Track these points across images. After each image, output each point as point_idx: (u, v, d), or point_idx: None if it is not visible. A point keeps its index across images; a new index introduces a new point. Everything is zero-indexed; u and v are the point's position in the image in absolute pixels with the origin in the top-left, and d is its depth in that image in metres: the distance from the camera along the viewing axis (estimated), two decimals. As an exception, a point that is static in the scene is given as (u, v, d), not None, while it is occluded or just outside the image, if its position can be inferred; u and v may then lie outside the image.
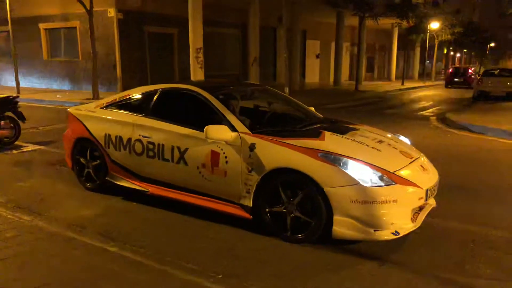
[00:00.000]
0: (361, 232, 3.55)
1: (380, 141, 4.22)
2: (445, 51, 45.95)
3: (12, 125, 7.79)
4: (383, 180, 3.61)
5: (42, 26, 18.95)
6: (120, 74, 16.86)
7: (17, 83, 16.65)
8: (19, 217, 4.36)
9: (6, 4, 15.94)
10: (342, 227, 3.59)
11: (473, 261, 3.54)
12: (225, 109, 4.29)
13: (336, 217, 3.59)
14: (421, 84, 31.17)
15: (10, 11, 16.10)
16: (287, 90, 15.40)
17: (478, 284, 3.19)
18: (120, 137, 4.83)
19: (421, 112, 14.44)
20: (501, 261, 3.56)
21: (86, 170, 5.28)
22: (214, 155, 4.15)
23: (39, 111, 13.02)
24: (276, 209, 3.89)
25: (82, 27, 17.27)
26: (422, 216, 3.88)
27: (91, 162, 5.21)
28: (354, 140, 4.10)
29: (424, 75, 37.19)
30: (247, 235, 4.00)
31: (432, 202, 4.19)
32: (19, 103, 7.94)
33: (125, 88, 16.83)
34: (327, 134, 4.16)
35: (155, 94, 4.86)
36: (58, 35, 18.88)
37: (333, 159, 3.66)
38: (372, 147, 4.01)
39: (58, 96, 16.12)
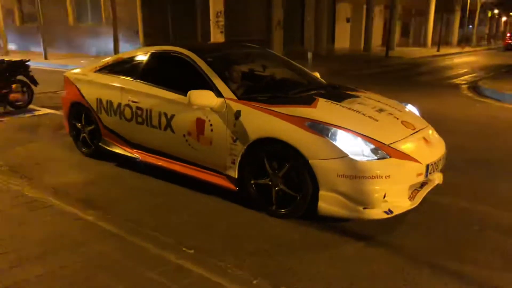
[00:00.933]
0: (348, 209, 3.26)
1: (381, 110, 3.85)
2: (490, 14, 43.20)
3: (24, 89, 7.78)
4: (376, 153, 3.28)
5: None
6: (143, 39, 16.70)
7: (44, 48, 16.80)
8: (8, 181, 4.30)
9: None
10: (328, 203, 3.30)
11: (474, 247, 3.18)
12: (212, 73, 4.00)
13: (322, 192, 3.31)
14: (459, 50, 29.56)
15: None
16: (310, 55, 14.82)
17: (475, 273, 2.85)
18: (111, 102, 4.65)
19: (454, 80, 13.60)
20: (506, 248, 3.19)
21: (82, 135, 5.17)
22: (200, 122, 3.91)
23: (61, 76, 13.07)
24: (262, 181, 3.63)
25: (105, -9, 17.09)
26: (422, 194, 3.54)
27: (86, 127, 5.09)
28: (350, 108, 3.74)
29: (463, 40, 35.20)
30: (232, 208, 3.78)
31: (437, 178, 3.82)
32: (30, 67, 7.90)
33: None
34: (321, 101, 3.82)
35: (146, 57, 4.62)
36: (83, 0, 18.80)
37: (320, 128, 3.34)
38: (369, 116, 3.65)
39: (82, 61, 16.16)
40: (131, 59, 4.81)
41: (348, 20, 28.40)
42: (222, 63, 4.36)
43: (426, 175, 3.46)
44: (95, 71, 5.04)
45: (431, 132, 3.90)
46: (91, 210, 3.65)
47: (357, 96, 4.13)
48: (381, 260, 2.99)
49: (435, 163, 3.54)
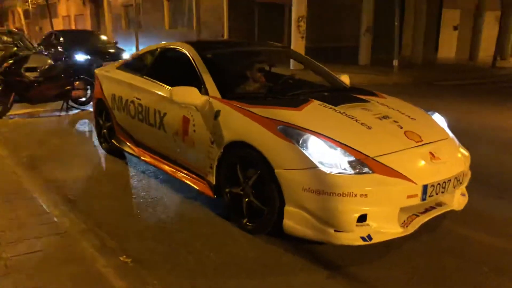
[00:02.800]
0: (316, 231, 2.72)
1: (384, 117, 3.21)
2: None
3: (87, 86, 8.24)
4: (355, 166, 2.70)
5: (167, -5, 20.05)
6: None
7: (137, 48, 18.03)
8: (14, 171, 4.42)
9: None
10: (294, 221, 2.80)
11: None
12: (204, 69, 3.70)
13: (288, 208, 2.82)
14: None
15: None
16: (395, 63, 13.76)
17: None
18: (121, 98, 4.60)
19: None
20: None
21: (102, 131, 5.22)
22: (185, 121, 3.64)
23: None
24: (235, 190, 3.24)
25: (197, -2, 17.76)
26: (421, 220, 2.86)
27: (105, 123, 5.12)
28: (343, 113, 3.17)
29: None
30: (206, 217, 3.45)
31: (455, 202, 3.10)
32: (94, 66, 8.34)
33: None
34: (313, 103, 3.31)
35: (155, 53, 4.49)
36: (178, 6, 19.80)
37: (291, 133, 2.86)
38: (362, 123, 3.05)
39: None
40: (144, 55, 4.73)
41: (455, 28, 26.04)
42: (221, 60, 4.06)
43: (424, 198, 2.77)
44: (116, 68, 5.05)
45: (448, 146, 3.16)
46: (62, 207, 3.52)
47: (366, 101, 3.52)
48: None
49: (440, 183, 2.83)
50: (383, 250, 2.88)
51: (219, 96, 3.45)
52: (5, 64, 7.27)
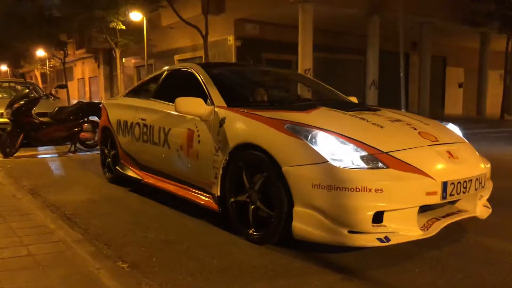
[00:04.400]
0: (329, 232, 2.50)
1: (396, 120, 3.09)
2: None
3: (95, 129, 8.26)
4: (368, 161, 2.54)
5: (176, 57, 20.72)
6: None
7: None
8: (14, 195, 4.27)
9: (152, 41, 18.06)
10: (304, 222, 2.59)
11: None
12: (210, 82, 3.65)
13: (297, 208, 2.62)
14: None
15: (154, 47, 18.08)
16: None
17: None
18: (126, 122, 4.54)
19: None
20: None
21: (107, 160, 5.11)
22: (190, 133, 3.53)
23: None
24: (240, 198, 3.05)
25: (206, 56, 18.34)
26: (442, 224, 2.63)
27: (110, 151, 5.02)
28: (354, 116, 3.06)
29: None
30: (208, 229, 3.24)
31: (477, 209, 2.87)
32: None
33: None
34: (321, 109, 3.20)
35: (161, 76, 4.49)
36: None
37: (299, 130, 2.72)
38: (374, 123, 2.92)
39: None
40: (150, 79, 4.74)
41: (460, 85, 26.48)
42: (227, 77, 4.03)
43: (444, 197, 2.56)
44: (123, 96, 5.05)
45: (466, 149, 3.00)
46: (65, 224, 3.35)
47: (378, 109, 3.42)
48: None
49: (460, 182, 2.63)
50: (403, 256, 2.62)
51: (224, 105, 3.37)
52: (16, 105, 7.34)
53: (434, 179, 2.52)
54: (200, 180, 3.44)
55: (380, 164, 2.53)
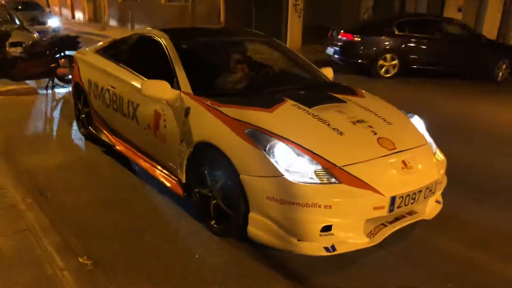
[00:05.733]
0: (280, 239, 2.66)
1: (359, 121, 3.11)
2: None
3: (72, 64, 8.05)
4: (322, 176, 2.62)
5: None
6: (224, 21, 16.60)
7: (132, 25, 17.67)
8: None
9: None
10: (258, 228, 2.74)
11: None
12: (177, 61, 3.57)
13: (252, 215, 2.75)
14: None
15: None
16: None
17: None
18: (96, 84, 4.48)
19: None
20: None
21: (81, 115, 5.10)
22: (157, 116, 3.53)
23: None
24: (204, 191, 3.17)
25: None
26: (389, 231, 2.80)
27: (84, 108, 5.00)
28: (316, 116, 3.06)
29: None
30: (177, 216, 3.39)
31: (427, 210, 3.04)
32: (80, 43, 8.14)
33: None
34: (287, 104, 3.20)
35: (131, 40, 4.34)
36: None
37: (259, 138, 2.76)
38: (334, 128, 2.95)
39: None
40: (122, 42, 4.58)
41: (459, 10, 25.52)
42: (197, 52, 3.91)
43: (391, 210, 2.71)
44: (94, 51, 4.89)
45: (423, 154, 3.08)
46: (28, 199, 3.47)
47: (343, 101, 3.41)
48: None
49: (409, 195, 2.76)
50: (350, 260, 2.83)
51: (190, 91, 3.33)
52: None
53: (383, 195, 2.64)
54: (167, 163, 3.52)
55: (333, 179, 2.62)
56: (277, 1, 16.51)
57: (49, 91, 7.54)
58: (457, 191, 3.66)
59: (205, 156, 3.07)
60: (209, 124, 3.04)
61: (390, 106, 3.60)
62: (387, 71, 9.93)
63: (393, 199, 2.68)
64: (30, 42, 7.95)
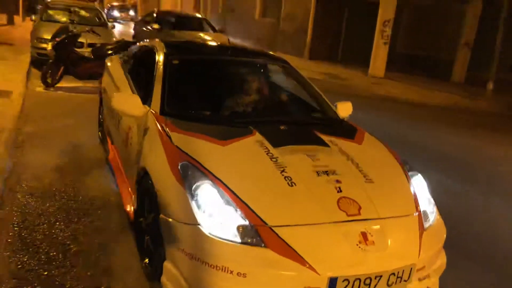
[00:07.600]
0: (189, 301, 2.21)
1: (326, 172, 2.51)
2: None
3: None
4: (244, 234, 2.12)
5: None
6: (310, 40, 16.25)
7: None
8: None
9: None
10: (170, 280, 2.31)
11: None
12: (160, 76, 3.28)
13: (166, 264, 2.33)
14: None
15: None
16: (490, 85, 11.99)
17: None
18: (105, 91, 4.41)
19: None
20: None
21: (100, 120, 5.06)
22: (127, 132, 3.29)
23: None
24: (143, 222, 2.81)
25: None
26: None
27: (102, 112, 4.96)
28: (274, 159, 2.53)
29: None
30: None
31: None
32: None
33: (312, 55, 16.23)
34: (249, 139, 2.72)
35: (139, 50, 4.18)
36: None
37: (188, 175, 2.34)
38: (287, 177, 2.40)
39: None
40: (133, 50, 4.47)
41: None
42: (187, 68, 3.57)
43: (329, 293, 2.09)
44: (118, 59, 4.82)
45: (401, 227, 2.39)
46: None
47: (325, 145, 2.83)
48: None
49: (360, 279, 2.12)
50: None
51: (157, 110, 3.01)
52: (57, 39, 7.55)
53: (317, 273, 2.05)
54: (132, 181, 3.23)
55: (257, 240, 2.10)
56: (370, 24, 15.71)
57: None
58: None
59: (145, 184, 2.72)
60: (155, 149, 2.69)
61: (390, 159, 2.92)
62: None
63: (332, 281, 2.07)
64: (99, 44, 8.34)
